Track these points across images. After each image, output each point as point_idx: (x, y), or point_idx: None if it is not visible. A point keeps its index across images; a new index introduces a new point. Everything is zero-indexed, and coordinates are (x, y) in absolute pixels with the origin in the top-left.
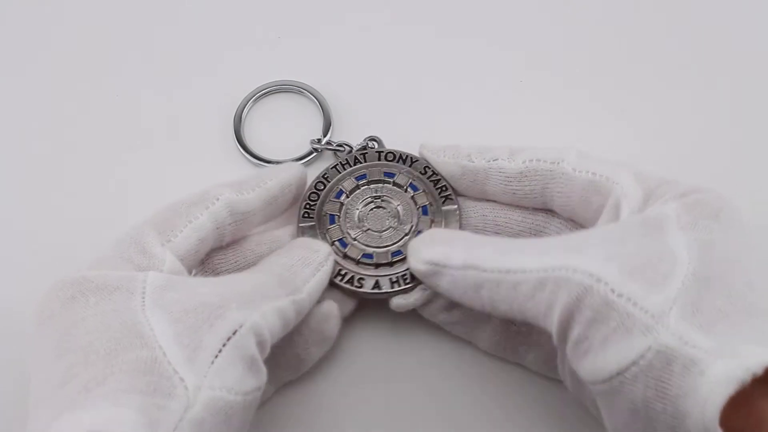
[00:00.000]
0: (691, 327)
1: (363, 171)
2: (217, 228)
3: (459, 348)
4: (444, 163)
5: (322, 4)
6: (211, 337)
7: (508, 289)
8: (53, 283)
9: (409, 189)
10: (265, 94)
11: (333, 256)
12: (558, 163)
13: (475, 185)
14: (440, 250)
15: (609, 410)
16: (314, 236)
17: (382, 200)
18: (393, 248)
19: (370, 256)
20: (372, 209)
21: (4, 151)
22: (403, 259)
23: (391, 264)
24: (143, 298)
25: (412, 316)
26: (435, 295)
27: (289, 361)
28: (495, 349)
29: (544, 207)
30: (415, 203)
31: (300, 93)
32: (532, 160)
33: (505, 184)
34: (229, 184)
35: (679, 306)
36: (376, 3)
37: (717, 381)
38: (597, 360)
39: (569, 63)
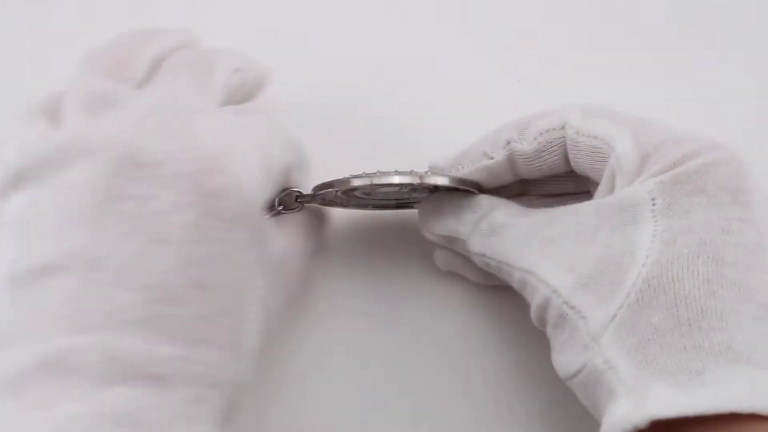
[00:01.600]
0: (620, 350)
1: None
2: None
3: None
4: (470, 175)
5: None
6: None
7: (505, 277)
8: None
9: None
10: None
11: None
12: (562, 127)
13: (503, 177)
14: (451, 225)
15: None
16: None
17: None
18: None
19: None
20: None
21: None
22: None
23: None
24: None
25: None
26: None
27: None
28: (487, 279)
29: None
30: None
31: None
32: (541, 133)
33: (528, 164)
34: None
35: (616, 323)
36: (366, 10)
37: (615, 422)
38: (555, 360)
39: (567, 61)
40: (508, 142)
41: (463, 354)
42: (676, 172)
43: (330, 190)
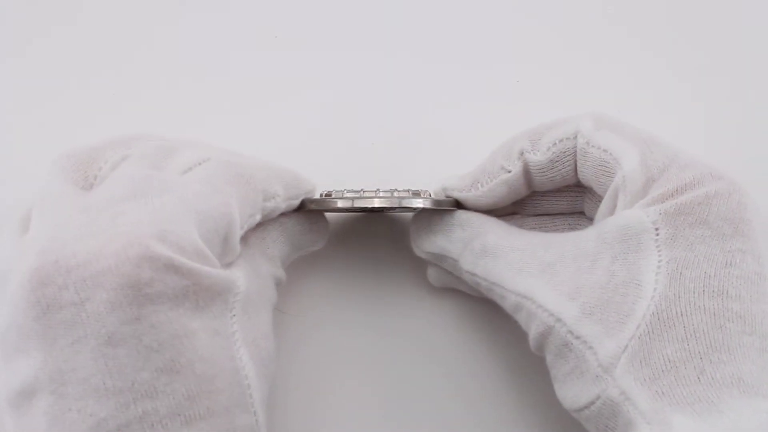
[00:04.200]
0: (635, 381)
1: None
2: None
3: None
4: (489, 191)
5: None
6: None
7: (496, 298)
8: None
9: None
10: None
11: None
12: (575, 137)
13: (520, 190)
14: (440, 243)
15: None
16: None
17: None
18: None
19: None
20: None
21: None
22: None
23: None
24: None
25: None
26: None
27: None
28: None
29: (581, 184)
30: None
31: None
32: (555, 143)
33: (542, 175)
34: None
35: (628, 355)
36: (359, 35)
37: None
38: (561, 392)
39: (565, 59)
40: (522, 153)
41: (458, 363)
42: (679, 203)
43: (311, 209)
